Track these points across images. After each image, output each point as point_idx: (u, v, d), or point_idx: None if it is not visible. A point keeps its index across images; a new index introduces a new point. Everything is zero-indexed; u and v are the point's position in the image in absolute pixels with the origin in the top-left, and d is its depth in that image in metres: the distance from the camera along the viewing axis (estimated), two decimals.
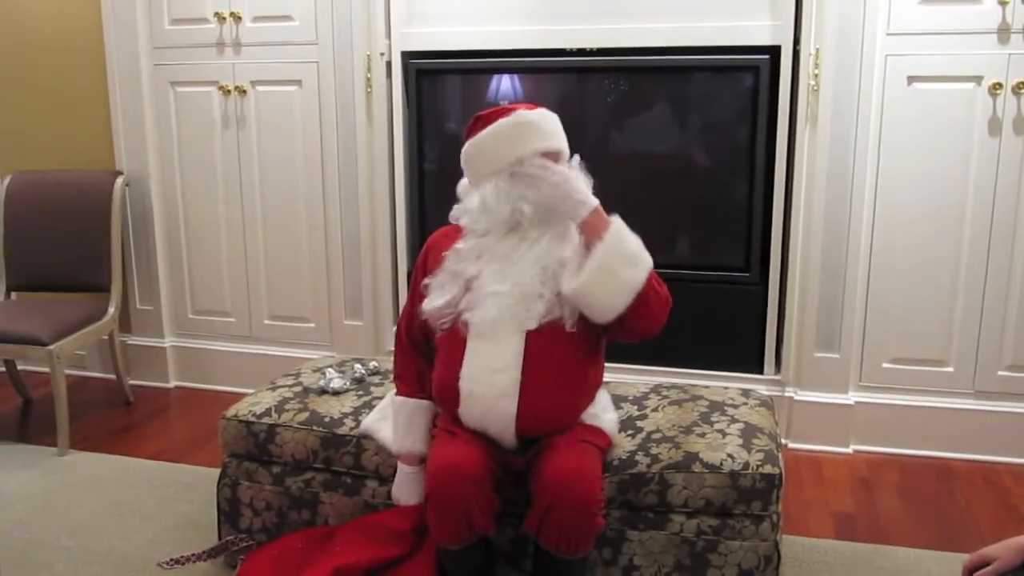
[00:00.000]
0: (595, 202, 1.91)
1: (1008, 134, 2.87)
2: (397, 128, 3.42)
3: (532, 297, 1.93)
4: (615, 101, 3.26)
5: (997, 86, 2.84)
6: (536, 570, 2.06)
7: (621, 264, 1.89)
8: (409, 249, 3.50)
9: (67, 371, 3.32)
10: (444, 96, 3.45)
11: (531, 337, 1.95)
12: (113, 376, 3.68)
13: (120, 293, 3.54)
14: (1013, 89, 2.83)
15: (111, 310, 3.48)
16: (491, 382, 1.95)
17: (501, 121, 1.97)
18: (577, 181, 1.92)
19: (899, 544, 2.51)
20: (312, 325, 3.67)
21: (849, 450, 3.14)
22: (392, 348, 3.33)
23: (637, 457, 2.07)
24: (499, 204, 1.96)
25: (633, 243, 1.91)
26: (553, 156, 1.98)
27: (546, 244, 1.96)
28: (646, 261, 1.92)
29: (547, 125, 1.99)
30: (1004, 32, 2.81)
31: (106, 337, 3.56)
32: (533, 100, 3.23)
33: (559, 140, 2.00)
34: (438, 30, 3.33)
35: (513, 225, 1.98)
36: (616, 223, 1.91)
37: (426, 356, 2.14)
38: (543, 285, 1.94)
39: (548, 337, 1.95)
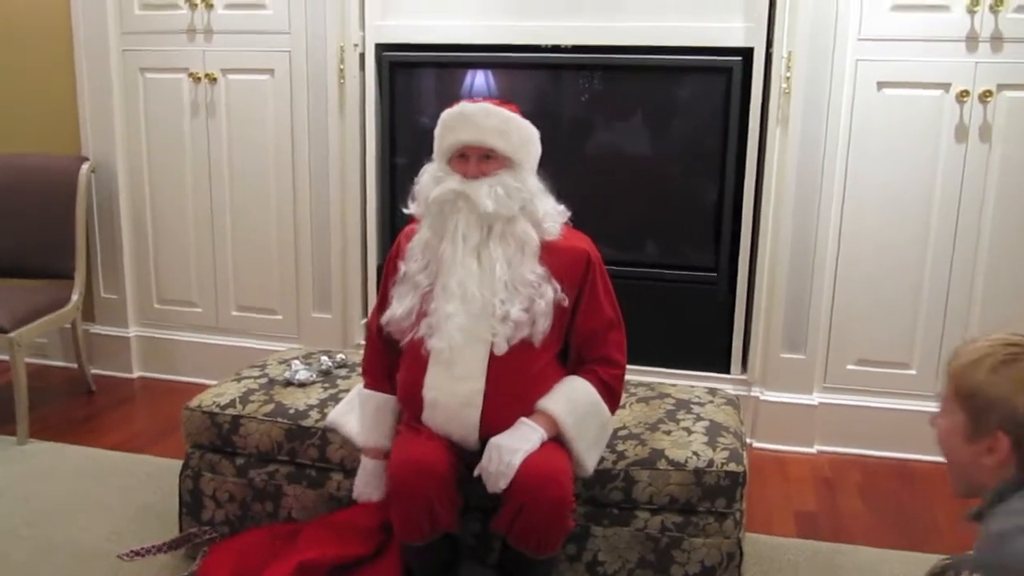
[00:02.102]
0: (526, 447, 1.89)
1: (974, 141, 2.91)
2: (369, 121, 3.40)
3: (496, 316, 1.91)
4: (588, 99, 3.26)
5: (964, 94, 2.88)
6: (502, 567, 2.06)
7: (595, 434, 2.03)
8: (379, 243, 3.48)
9: (28, 359, 3.27)
10: (417, 89, 3.44)
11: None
12: (75, 365, 3.62)
13: (84, 281, 3.49)
14: (980, 97, 2.87)
15: (74, 298, 3.43)
16: (454, 391, 1.94)
17: (447, 110, 1.99)
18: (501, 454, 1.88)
19: (861, 543, 2.54)
20: (280, 317, 3.64)
21: (813, 450, 3.17)
22: (360, 342, 3.34)
23: (603, 454, 2.08)
24: (424, 190, 1.98)
25: (592, 428, 2.01)
26: (482, 151, 1.95)
27: (469, 250, 1.93)
28: (605, 412, 2.04)
29: (482, 120, 1.94)
30: (972, 40, 2.85)
31: (69, 325, 3.50)
32: (507, 96, 3.25)
33: (491, 138, 1.94)
34: (412, 23, 3.32)
35: (442, 221, 1.96)
36: (566, 433, 1.95)
37: (396, 353, 2.12)
38: (511, 307, 1.91)
39: (513, 347, 1.94)
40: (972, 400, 1.31)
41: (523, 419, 1.93)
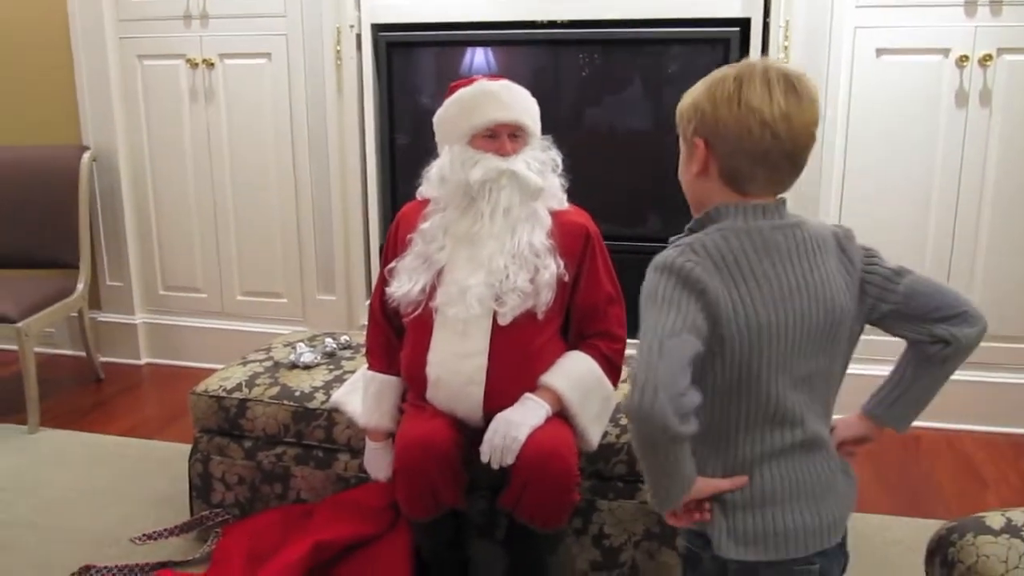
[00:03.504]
0: (532, 422, 1.90)
1: (974, 106, 2.90)
2: (368, 102, 3.39)
3: (506, 290, 1.92)
4: (586, 74, 3.25)
5: (964, 59, 2.86)
6: (509, 542, 2.08)
7: (598, 409, 2.03)
8: (381, 223, 3.49)
9: (36, 348, 3.29)
10: (415, 69, 3.43)
11: (499, 323, 1.94)
12: (83, 353, 3.65)
13: (89, 269, 3.51)
14: (979, 61, 2.85)
15: (80, 287, 3.45)
16: (458, 368, 1.95)
17: (462, 90, 1.98)
18: (507, 429, 1.88)
19: (866, 510, 2.55)
20: (285, 300, 3.66)
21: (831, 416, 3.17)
22: (365, 323, 3.35)
23: (606, 428, 2.09)
24: (453, 173, 1.95)
25: (596, 403, 2.00)
26: (511, 129, 1.96)
27: (508, 225, 1.93)
28: (608, 386, 2.04)
29: (507, 97, 1.96)
30: (971, 5, 2.83)
31: (75, 314, 3.53)
32: (507, 73, 3.24)
33: (520, 114, 1.97)
34: (409, 1, 3.30)
35: (469, 201, 1.96)
36: (570, 408, 1.95)
37: (399, 332, 2.13)
38: (516, 276, 1.91)
39: (516, 322, 1.94)
40: (680, 123, 1.35)
41: (528, 395, 1.94)
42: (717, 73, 1.31)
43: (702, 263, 1.25)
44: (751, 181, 1.30)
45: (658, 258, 1.28)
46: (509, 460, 1.87)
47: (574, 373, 1.98)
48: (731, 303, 1.25)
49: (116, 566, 2.26)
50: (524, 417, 1.90)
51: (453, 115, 1.99)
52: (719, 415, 1.30)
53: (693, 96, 1.33)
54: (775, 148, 1.28)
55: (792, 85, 1.28)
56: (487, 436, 1.90)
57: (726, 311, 1.24)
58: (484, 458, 1.89)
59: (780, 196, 1.35)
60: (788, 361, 1.28)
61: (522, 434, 1.87)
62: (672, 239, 1.32)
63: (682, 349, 1.19)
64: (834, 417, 1.43)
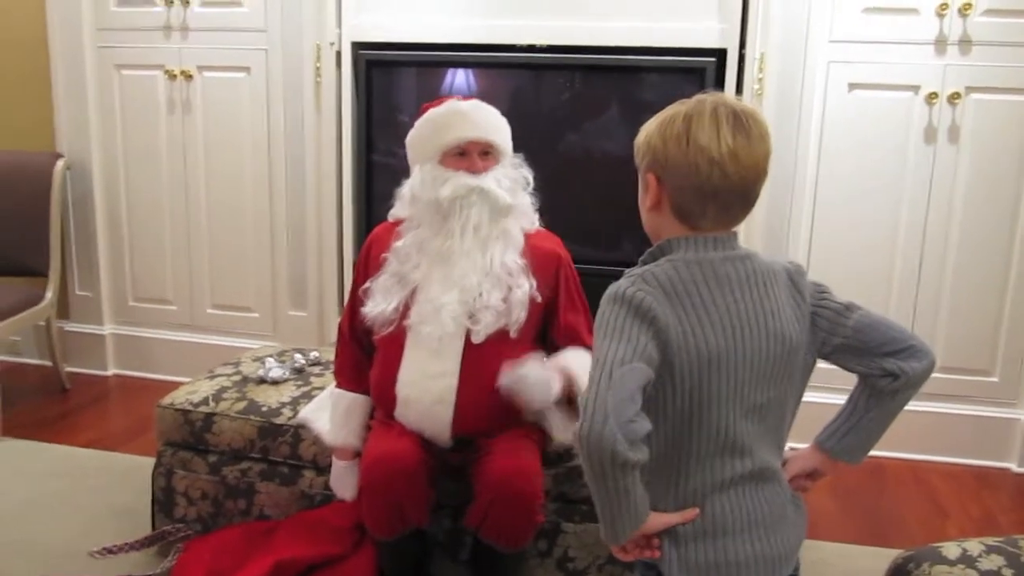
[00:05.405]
0: (556, 389, 1.82)
1: (943, 142, 2.95)
2: (346, 119, 3.39)
3: (479, 308, 1.92)
4: (564, 98, 3.28)
5: (933, 96, 2.92)
6: (474, 561, 2.08)
7: None
8: (355, 241, 3.48)
9: (1, 357, 3.25)
10: (394, 88, 3.44)
11: (471, 343, 1.95)
12: (49, 363, 3.61)
13: (58, 278, 3.48)
14: (948, 99, 2.91)
15: (49, 295, 3.41)
16: (427, 388, 1.95)
17: (433, 109, 2.00)
18: (532, 384, 1.81)
19: (829, 539, 2.57)
20: (256, 315, 3.64)
21: (785, 448, 3.19)
22: (335, 340, 3.34)
23: (573, 450, 2.10)
24: (424, 191, 1.97)
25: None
26: (482, 147, 1.98)
27: (479, 242, 1.94)
28: None
29: (477, 116, 1.99)
30: (941, 43, 2.90)
31: (43, 323, 3.49)
32: (486, 95, 3.25)
33: (491, 133, 1.99)
34: (389, 20, 3.32)
35: (441, 219, 1.97)
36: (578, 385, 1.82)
37: (368, 351, 2.13)
38: (490, 295, 1.92)
39: (488, 342, 1.94)
40: (636, 157, 1.38)
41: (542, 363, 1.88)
42: (669, 110, 1.33)
43: (653, 292, 1.26)
44: (702, 216, 1.32)
45: (611, 289, 1.29)
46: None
47: (578, 361, 1.90)
48: (681, 332, 1.26)
49: None
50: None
51: (424, 134, 2.01)
52: (671, 445, 1.30)
53: (647, 132, 1.35)
54: (724, 185, 1.29)
55: (741, 122, 1.29)
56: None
57: (676, 339, 1.25)
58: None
59: (732, 229, 1.36)
60: (739, 390, 1.29)
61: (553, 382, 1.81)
62: (627, 271, 1.34)
63: (632, 377, 1.19)
64: (787, 449, 1.44)
